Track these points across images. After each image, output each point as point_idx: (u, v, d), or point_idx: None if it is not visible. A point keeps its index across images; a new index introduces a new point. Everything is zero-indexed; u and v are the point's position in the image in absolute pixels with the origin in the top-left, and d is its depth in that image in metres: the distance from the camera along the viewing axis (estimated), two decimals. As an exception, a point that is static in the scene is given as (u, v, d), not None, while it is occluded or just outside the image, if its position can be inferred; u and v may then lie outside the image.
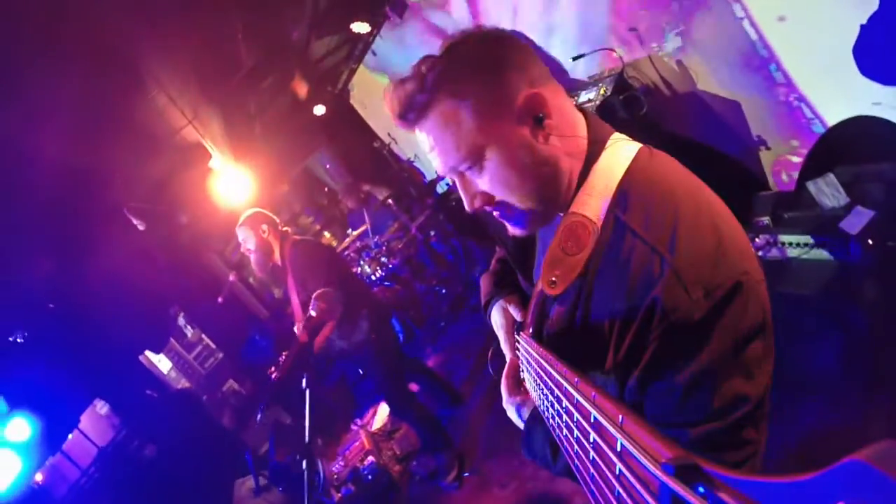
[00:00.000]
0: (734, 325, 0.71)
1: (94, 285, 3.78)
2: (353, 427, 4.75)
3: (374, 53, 5.83)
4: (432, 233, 5.92)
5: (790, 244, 2.20)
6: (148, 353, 6.68)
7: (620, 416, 0.46)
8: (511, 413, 1.09)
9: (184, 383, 7.20)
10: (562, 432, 0.69)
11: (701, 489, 0.32)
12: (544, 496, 2.86)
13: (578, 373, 0.64)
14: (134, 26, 2.18)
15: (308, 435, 1.46)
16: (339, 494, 3.83)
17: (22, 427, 3.96)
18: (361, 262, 5.79)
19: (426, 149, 0.88)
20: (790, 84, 2.56)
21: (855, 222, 2.00)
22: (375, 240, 5.84)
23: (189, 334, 7.29)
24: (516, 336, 1.14)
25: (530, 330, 1.01)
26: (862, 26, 2.08)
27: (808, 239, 2.12)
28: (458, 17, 4.49)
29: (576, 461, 0.61)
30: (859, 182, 2.16)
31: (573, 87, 3.36)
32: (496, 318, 1.24)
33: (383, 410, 4.81)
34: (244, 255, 3.30)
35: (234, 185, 4.39)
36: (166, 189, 4.27)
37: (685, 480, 0.33)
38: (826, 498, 0.23)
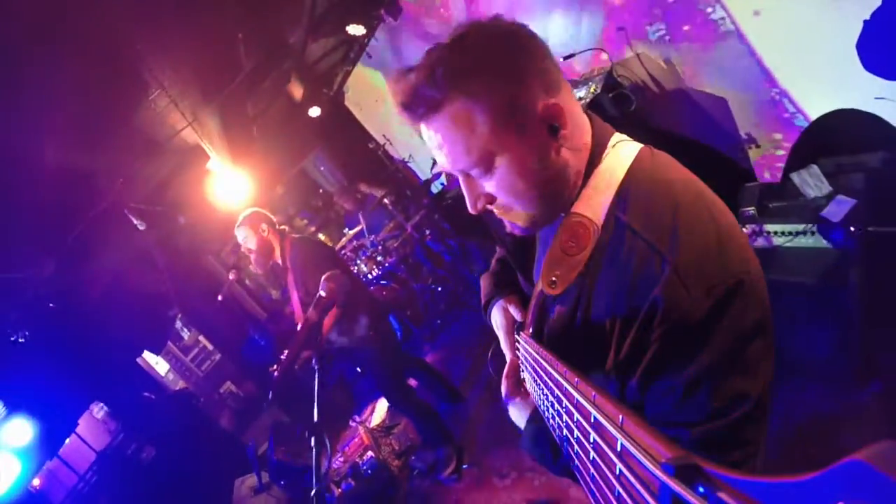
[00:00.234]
0: (735, 324, 0.71)
1: (93, 285, 3.80)
2: (352, 424, 4.80)
3: (370, 56, 5.89)
4: (427, 232, 5.98)
5: (776, 233, 2.28)
6: (146, 355, 6.69)
7: (620, 416, 0.46)
8: (511, 413, 1.09)
9: (181, 385, 7.21)
10: (562, 432, 0.69)
11: (701, 489, 0.32)
12: (543, 486, 2.90)
13: (578, 373, 0.64)
14: (137, 28, 2.22)
15: (317, 413, 1.51)
16: (340, 490, 3.87)
17: (21, 430, 3.97)
18: (358, 262, 5.84)
19: (432, 145, 0.85)
20: (770, 79, 2.65)
21: (837, 210, 2.08)
22: (372, 239, 5.89)
23: (186, 337, 7.31)
24: (516, 336, 1.14)
25: (530, 330, 1.02)
26: (865, 22, 2.12)
27: (793, 227, 2.20)
28: (453, 21, 4.57)
29: (576, 461, 0.62)
30: (841, 172, 2.23)
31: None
32: (496, 319, 1.23)
33: (381, 407, 4.86)
34: (241, 256, 3.33)
35: (231, 187, 4.43)
36: (165, 190, 4.30)
37: (685, 480, 0.33)
38: (826, 498, 0.23)
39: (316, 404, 1.52)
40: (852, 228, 2.03)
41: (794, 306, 2.17)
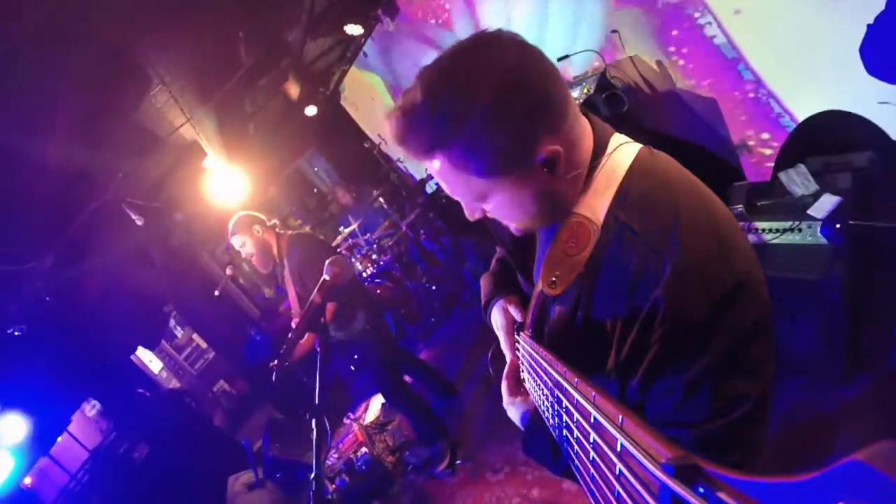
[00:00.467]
0: (736, 325, 0.71)
1: (90, 281, 3.80)
2: (346, 421, 4.82)
3: (366, 55, 5.93)
4: (422, 231, 6.01)
5: (763, 230, 2.34)
6: (139, 353, 6.67)
7: (620, 417, 0.46)
8: (511, 413, 1.09)
9: (175, 384, 7.19)
10: (562, 432, 0.70)
11: (701, 489, 0.32)
12: (536, 480, 2.94)
13: (578, 373, 0.64)
14: (140, 23, 2.24)
15: (318, 396, 1.54)
16: (334, 486, 3.90)
17: (15, 426, 3.95)
18: (353, 259, 5.86)
19: (431, 172, 0.86)
20: (758, 81, 2.72)
21: (823, 208, 2.14)
22: (366, 237, 5.91)
23: (179, 335, 7.29)
24: (516, 336, 1.14)
25: (530, 330, 1.02)
26: (869, 26, 2.16)
27: (780, 224, 2.26)
28: (453, 29, 4.62)
29: (576, 461, 0.62)
30: (828, 171, 2.30)
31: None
32: (496, 319, 1.23)
33: (375, 404, 4.88)
34: (236, 254, 3.33)
35: (227, 185, 4.44)
36: (163, 187, 4.31)
37: (685, 481, 0.33)
38: (826, 498, 0.23)
39: (317, 387, 1.55)
40: (838, 225, 2.09)
41: (781, 302, 2.23)
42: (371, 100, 6.86)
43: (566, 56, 3.32)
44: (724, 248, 0.74)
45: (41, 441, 4.25)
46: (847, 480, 0.22)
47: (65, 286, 3.66)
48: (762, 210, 2.41)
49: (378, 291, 5.59)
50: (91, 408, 6.13)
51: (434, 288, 5.78)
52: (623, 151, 0.85)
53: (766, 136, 2.86)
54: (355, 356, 5.78)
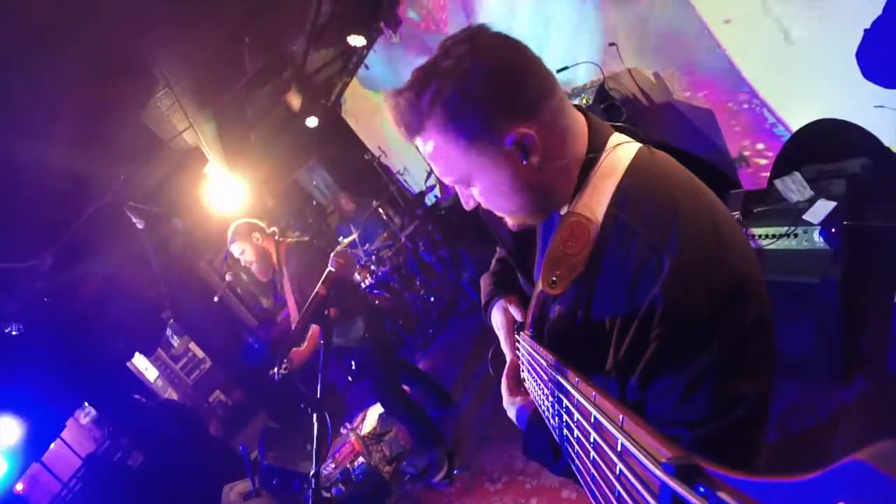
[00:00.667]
0: (735, 324, 0.71)
1: (88, 283, 3.79)
2: (343, 431, 4.79)
3: (367, 67, 6.00)
4: (420, 243, 6.03)
5: (759, 236, 2.37)
6: (135, 361, 6.64)
7: (621, 416, 0.46)
8: (511, 413, 1.09)
9: (170, 393, 7.15)
10: (562, 432, 0.70)
11: (701, 489, 0.32)
12: (534, 490, 2.91)
13: (579, 373, 0.64)
14: (147, 25, 2.27)
15: (320, 391, 1.54)
16: (331, 494, 3.86)
17: (8, 429, 3.91)
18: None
19: (425, 155, 0.91)
20: (752, 91, 2.78)
21: (818, 213, 2.17)
22: (366, 248, 5.93)
23: (176, 344, 7.27)
24: (516, 336, 1.15)
25: (530, 330, 1.03)
26: (865, 31, 2.21)
27: (776, 230, 2.30)
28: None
29: (576, 461, 0.62)
30: (822, 178, 2.34)
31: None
32: (496, 318, 1.23)
33: (372, 414, 4.85)
34: (234, 262, 3.32)
35: (227, 193, 4.46)
36: (163, 192, 4.33)
37: (686, 480, 0.33)
38: (826, 498, 0.23)
39: (320, 381, 1.55)
40: (833, 230, 2.12)
41: (779, 306, 2.24)
42: (371, 113, 6.92)
43: (565, 67, 3.38)
44: (724, 247, 0.74)
45: (34, 445, 4.20)
46: (847, 480, 0.22)
47: (63, 288, 3.65)
48: (758, 216, 2.44)
49: (376, 302, 5.59)
50: (85, 415, 6.08)
51: (432, 299, 5.78)
52: (622, 150, 0.86)
53: (760, 146, 2.90)
54: (353, 366, 5.75)
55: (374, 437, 4.39)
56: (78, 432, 6.21)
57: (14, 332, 3.24)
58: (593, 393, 0.55)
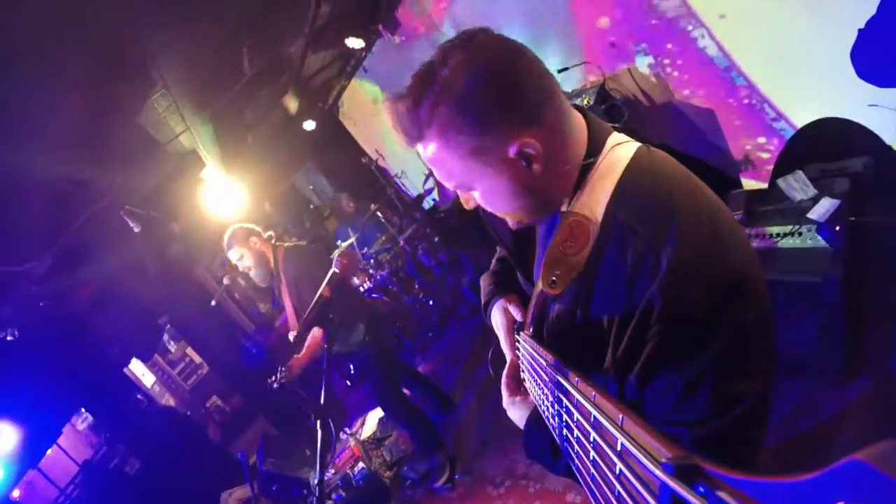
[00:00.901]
0: (734, 322, 0.71)
1: (85, 288, 3.76)
2: (343, 436, 4.74)
3: (365, 70, 5.99)
4: (419, 246, 6.01)
5: (772, 234, 2.36)
6: (132, 367, 6.59)
7: (620, 416, 0.46)
8: (511, 413, 1.09)
9: (168, 398, 7.10)
10: (562, 432, 0.69)
11: (701, 489, 0.32)
12: (538, 494, 2.88)
13: (578, 373, 0.64)
14: (145, 25, 2.25)
15: (324, 396, 1.51)
16: (331, 500, 3.83)
17: (4, 436, 3.87)
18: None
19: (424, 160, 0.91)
20: (751, 86, 2.78)
21: (822, 211, 2.16)
22: (364, 252, 5.90)
23: (173, 350, 7.23)
24: (516, 336, 1.15)
25: (530, 330, 1.02)
26: (860, 30, 2.22)
27: (780, 229, 2.28)
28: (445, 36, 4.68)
29: (576, 461, 0.61)
30: (825, 176, 2.34)
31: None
32: (496, 318, 1.23)
33: (372, 419, 4.81)
34: (231, 267, 3.29)
35: (224, 197, 4.42)
36: (161, 196, 4.30)
37: (685, 480, 0.33)
38: (826, 498, 0.23)
39: (324, 386, 1.52)
40: (837, 228, 2.11)
41: (782, 305, 2.23)
42: (369, 116, 6.90)
43: (566, 68, 3.36)
44: (722, 246, 0.74)
45: (31, 452, 4.16)
46: (847, 480, 0.22)
47: (59, 293, 3.62)
48: (762, 215, 2.43)
49: (377, 306, 5.56)
50: (82, 421, 6.04)
51: (431, 303, 5.76)
52: (621, 150, 0.86)
53: (762, 139, 2.90)
54: (352, 370, 5.72)
55: (373, 442, 4.35)
56: (75, 438, 6.18)
57: (9, 338, 3.21)
58: (593, 393, 0.55)
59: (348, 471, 4.01)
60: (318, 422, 1.52)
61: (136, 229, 3.60)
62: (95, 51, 2.23)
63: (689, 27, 2.87)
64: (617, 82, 3.36)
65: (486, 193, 0.89)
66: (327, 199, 8.67)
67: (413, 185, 7.05)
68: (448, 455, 3.48)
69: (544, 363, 0.81)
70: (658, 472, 0.36)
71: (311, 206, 8.98)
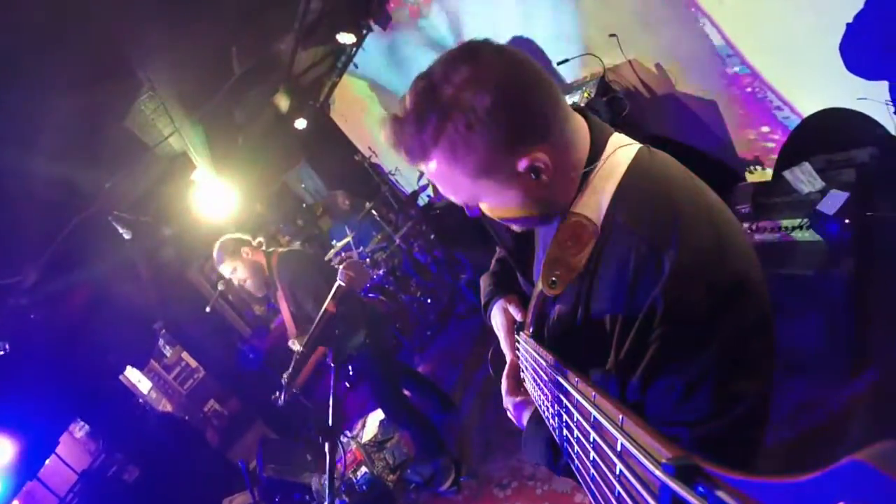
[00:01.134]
0: (736, 323, 0.71)
1: (76, 297, 3.69)
2: (344, 439, 4.69)
3: (357, 66, 5.90)
4: (415, 244, 5.94)
5: (771, 229, 2.32)
6: (128, 373, 6.52)
7: (620, 416, 0.46)
8: (511, 413, 1.09)
9: (164, 404, 7.03)
10: (562, 432, 0.69)
11: (701, 489, 0.32)
12: (545, 495, 2.84)
13: (578, 373, 0.64)
14: (132, 26, 2.17)
15: (332, 417, 1.45)
16: (334, 506, 3.78)
17: (3, 449, 3.80)
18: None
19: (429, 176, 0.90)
20: (755, 74, 2.73)
21: (831, 204, 2.11)
22: (360, 251, 5.83)
23: (168, 354, 7.15)
24: (516, 336, 1.15)
25: (530, 330, 1.02)
26: (848, 25, 2.20)
27: (788, 222, 2.24)
28: (440, 35, 4.60)
29: (576, 461, 0.61)
30: (832, 168, 2.29)
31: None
32: (496, 318, 1.24)
33: (372, 421, 4.76)
34: (227, 283, 3.20)
35: (216, 199, 4.34)
36: (151, 200, 4.22)
37: (685, 480, 0.33)
38: (826, 498, 0.23)
39: (331, 407, 1.47)
40: (847, 221, 2.06)
41: (788, 300, 2.19)
42: (361, 112, 6.82)
43: (566, 60, 3.30)
44: (724, 248, 0.74)
45: (29, 463, 4.10)
46: (848, 480, 0.22)
47: (50, 302, 3.55)
48: (769, 208, 2.39)
49: (375, 306, 5.50)
50: (80, 429, 5.98)
51: (429, 301, 5.71)
52: (622, 152, 0.86)
53: (765, 129, 2.85)
54: (351, 372, 5.66)
55: (375, 445, 4.31)
56: (73, 446, 6.11)
57: (0, 352, 3.13)
58: (593, 393, 0.55)
59: (351, 475, 3.97)
60: (327, 444, 1.45)
61: (127, 236, 3.51)
62: (79, 53, 2.15)
63: (692, 10, 2.81)
64: (618, 74, 3.30)
65: (494, 205, 0.89)
66: (320, 197, 8.59)
67: (407, 181, 6.99)
68: (452, 457, 3.43)
69: (544, 363, 0.81)
70: (658, 473, 0.36)
71: (304, 205, 8.89)
